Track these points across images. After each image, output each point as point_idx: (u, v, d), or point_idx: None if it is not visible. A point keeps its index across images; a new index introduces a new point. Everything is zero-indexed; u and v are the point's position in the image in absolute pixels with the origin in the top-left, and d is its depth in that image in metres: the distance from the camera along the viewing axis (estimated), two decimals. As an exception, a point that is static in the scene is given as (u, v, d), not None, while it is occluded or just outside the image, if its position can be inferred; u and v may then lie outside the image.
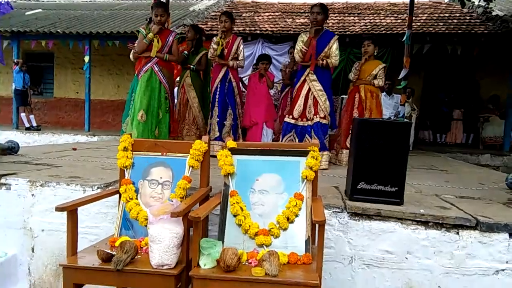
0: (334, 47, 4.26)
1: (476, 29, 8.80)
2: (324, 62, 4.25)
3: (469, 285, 2.31)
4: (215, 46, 4.72)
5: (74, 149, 5.17)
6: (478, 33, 8.58)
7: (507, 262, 2.27)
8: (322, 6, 4.28)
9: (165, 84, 4.25)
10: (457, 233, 2.33)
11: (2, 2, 3.51)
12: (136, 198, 2.28)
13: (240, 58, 4.83)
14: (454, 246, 2.32)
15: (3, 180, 2.87)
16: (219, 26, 4.85)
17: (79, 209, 2.08)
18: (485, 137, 9.17)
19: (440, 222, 2.35)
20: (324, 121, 4.30)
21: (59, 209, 1.97)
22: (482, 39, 8.53)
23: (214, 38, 4.83)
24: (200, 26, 7.13)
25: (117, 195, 2.35)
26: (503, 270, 2.28)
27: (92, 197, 2.22)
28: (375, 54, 5.00)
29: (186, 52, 5.18)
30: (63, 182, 2.80)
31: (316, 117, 4.28)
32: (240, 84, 5.23)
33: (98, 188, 2.75)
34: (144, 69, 4.22)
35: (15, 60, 10.38)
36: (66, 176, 3.01)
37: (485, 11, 9.46)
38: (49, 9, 13.64)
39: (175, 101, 5.32)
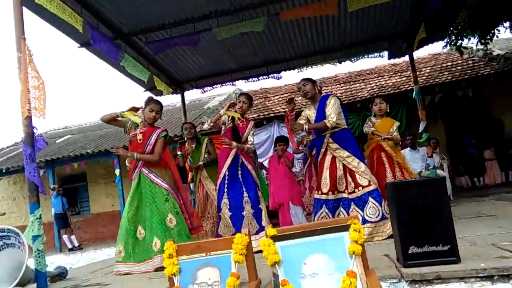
0: (329, 106, 3.99)
1: (482, 70, 8.98)
2: (306, 127, 4.08)
3: None
4: (225, 115, 4.35)
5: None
6: (486, 74, 8.74)
7: None
8: (305, 78, 4.22)
9: (162, 183, 3.85)
10: (527, 282, 2.17)
11: (38, 139, 3.82)
12: (189, 305, 2.25)
13: (249, 141, 4.34)
14: (528, 298, 2.15)
15: (57, 309, 2.89)
16: (237, 108, 4.39)
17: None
18: (524, 172, 8.81)
19: (506, 274, 2.21)
20: (371, 188, 3.89)
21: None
22: (491, 79, 8.66)
23: (221, 111, 4.43)
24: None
25: (170, 305, 2.33)
26: None
27: (146, 312, 2.21)
28: (387, 111, 5.08)
29: (180, 153, 5.06)
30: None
31: (359, 189, 3.91)
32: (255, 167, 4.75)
33: (149, 300, 2.73)
34: (133, 176, 3.91)
35: (52, 186, 11.00)
36: (116, 293, 3.02)
37: (485, 53, 9.73)
38: (77, 133, 14.77)
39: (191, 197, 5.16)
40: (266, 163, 6.10)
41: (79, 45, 5.43)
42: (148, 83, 6.77)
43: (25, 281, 3.62)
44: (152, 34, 5.67)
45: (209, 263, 2.37)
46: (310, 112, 4.23)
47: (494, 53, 9.66)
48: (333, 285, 2.08)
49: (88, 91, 54.39)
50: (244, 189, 4.21)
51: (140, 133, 3.95)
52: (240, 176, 4.25)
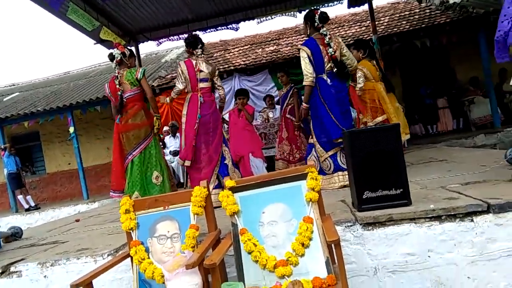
0: None
1: (439, 19, 9.05)
2: None
3: (497, 269, 2.27)
4: None
5: (77, 220, 5.13)
6: (442, 23, 8.83)
7: (527, 238, 2.25)
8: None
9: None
10: (472, 220, 2.31)
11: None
12: (148, 257, 2.25)
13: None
14: (472, 234, 2.30)
15: (12, 268, 2.82)
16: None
17: (93, 280, 2.04)
18: (474, 119, 9.24)
19: (453, 213, 2.33)
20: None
21: (74, 286, 1.93)
22: (446, 27, 8.77)
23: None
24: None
25: (129, 259, 2.31)
26: (526, 247, 2.25)
27: (105, 267, 2.18)
28: None
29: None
30: (72, 257, 2.76)
31: None
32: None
33: (108, 255, 2.70)
34: None
35: (2, 146, 10.38)
36: (74, 250, 2.97)
37: (442, 2, 9.77)
38: (26, 90, 13.84)
39: None
40: (226, 117, 6.02)
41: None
42: (98, 34, 6.34)
43: (-24, 243, 3.47)
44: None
45: (167, 216, 2.35)
46: None
47: (451, 1, 9.71)
48: (289, 230, 2.13)
49: (36, 46, 50.60)
50: None
51: None
52: None
